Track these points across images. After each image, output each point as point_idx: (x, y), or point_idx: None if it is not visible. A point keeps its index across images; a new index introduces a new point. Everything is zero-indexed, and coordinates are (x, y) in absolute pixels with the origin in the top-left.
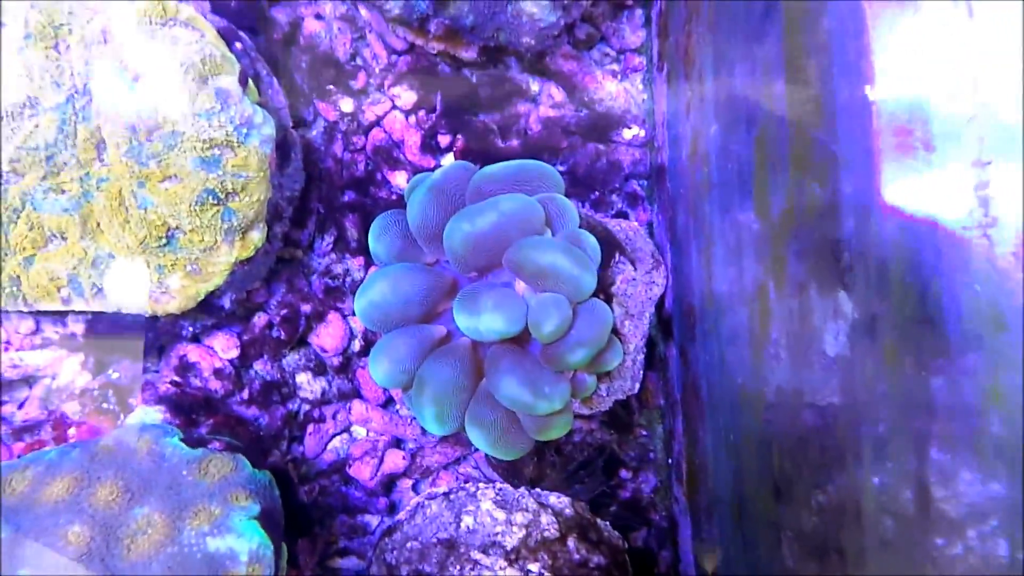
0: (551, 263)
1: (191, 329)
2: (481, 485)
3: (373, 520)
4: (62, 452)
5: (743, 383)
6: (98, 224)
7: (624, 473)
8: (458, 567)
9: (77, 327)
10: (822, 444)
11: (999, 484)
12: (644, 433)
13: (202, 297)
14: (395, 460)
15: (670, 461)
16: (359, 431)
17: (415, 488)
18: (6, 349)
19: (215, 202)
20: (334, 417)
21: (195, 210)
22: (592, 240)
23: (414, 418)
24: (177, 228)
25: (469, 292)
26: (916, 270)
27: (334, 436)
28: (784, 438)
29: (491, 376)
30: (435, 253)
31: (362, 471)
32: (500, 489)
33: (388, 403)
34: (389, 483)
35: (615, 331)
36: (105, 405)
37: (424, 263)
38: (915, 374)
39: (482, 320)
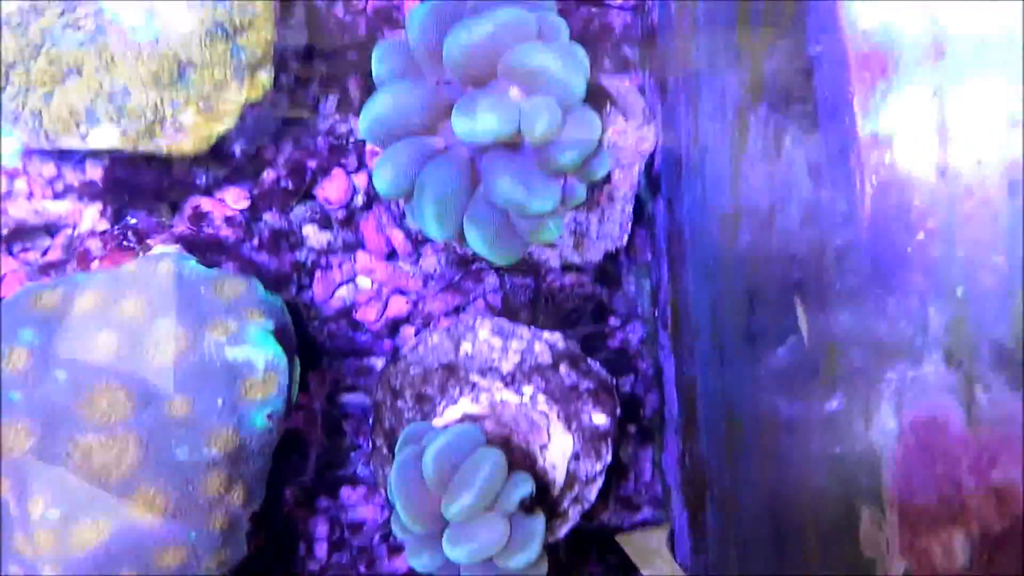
0: (541, 64)
1: (205, 179)
2: (479, 318)
3: (378, 363)
4: (88, 275)
5: (721, 212)
6: (112, 58)
7: (613, 321)
8: (458, 388)
9: (95, 172)
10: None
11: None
12: (632, 289)
13: (214, 140)
14: (399, 305)
15: (656, 313)
16: (364, 281)
17: (417, 335)
18: (29, 197)
19: (224, 36)
20: (340, 267)
21: (205, 43)
22: (581, 52)
23: (415, 272)
24: (188, 62)
25: (466, 99)
26: None
27: (341, 285)
28: (756, 257)
29: (487, 177)
30: (435, 73)
31: (368, 313)
32: (497, 321)
33: (391, 255)
34: (394, 327)
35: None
36: (126, 243)
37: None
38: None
39: (477, 121)
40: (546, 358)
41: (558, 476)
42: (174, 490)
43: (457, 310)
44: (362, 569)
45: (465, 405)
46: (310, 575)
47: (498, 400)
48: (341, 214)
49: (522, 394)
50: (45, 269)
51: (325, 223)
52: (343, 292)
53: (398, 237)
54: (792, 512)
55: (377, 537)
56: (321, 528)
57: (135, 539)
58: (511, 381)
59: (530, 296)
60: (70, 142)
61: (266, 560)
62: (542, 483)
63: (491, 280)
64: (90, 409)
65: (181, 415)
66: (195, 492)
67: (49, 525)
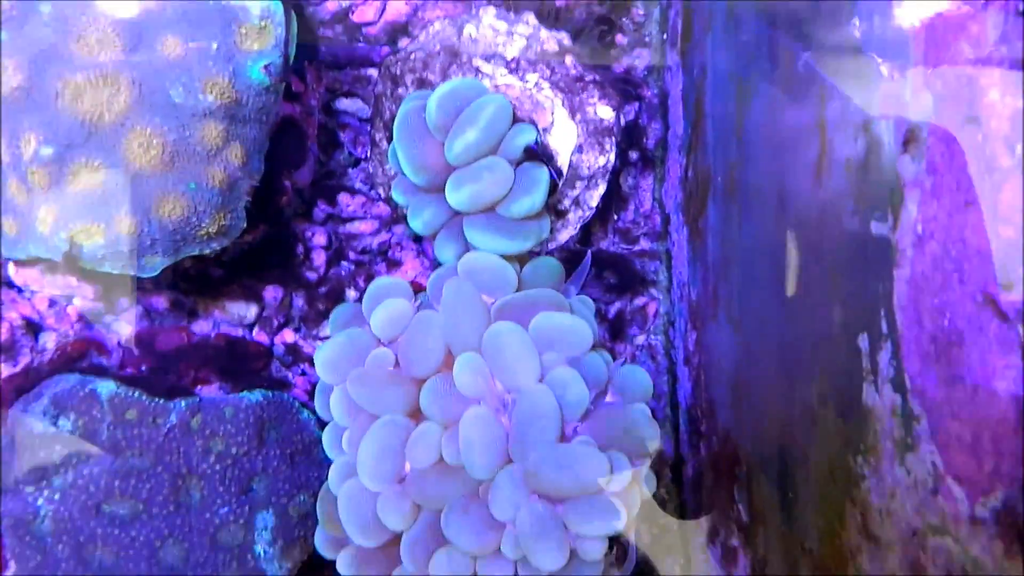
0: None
1: None
2: (481, 7)
3: (373, 71)
4: None
5: None
6: None
7: (620, 39)
8: (460, 73)
9: None
10: None
11: None
12: (640, 13)
13: None
14: (398, 8)
15: (665, 35)
16: None
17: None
18: None
19: None
20: None
21: None
22: None
23: None
24: None
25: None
26: None
27: None
28: None
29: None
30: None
31: (366, 13)
32: (502, 9)
33: None
34: (392, 35)
35: None
36: None
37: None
38: None
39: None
40: (552, 47)
41: (561, 165)
42: (170, 132)
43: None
44: (360, 283)
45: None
46: (308, 283)
47: (502, 85)
48: None
49: (526, 80)
50: None
51: None
52: None
53: None
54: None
55: (376, 248)
56: (319, 237)
57: (133, 183)
58: (515, 68)
59: (536, 7)
60: None
61: (264, 256)
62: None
63: None
64: (79, 46)
65: (174, 55)
66: (191, 139)
67: (42, 163)
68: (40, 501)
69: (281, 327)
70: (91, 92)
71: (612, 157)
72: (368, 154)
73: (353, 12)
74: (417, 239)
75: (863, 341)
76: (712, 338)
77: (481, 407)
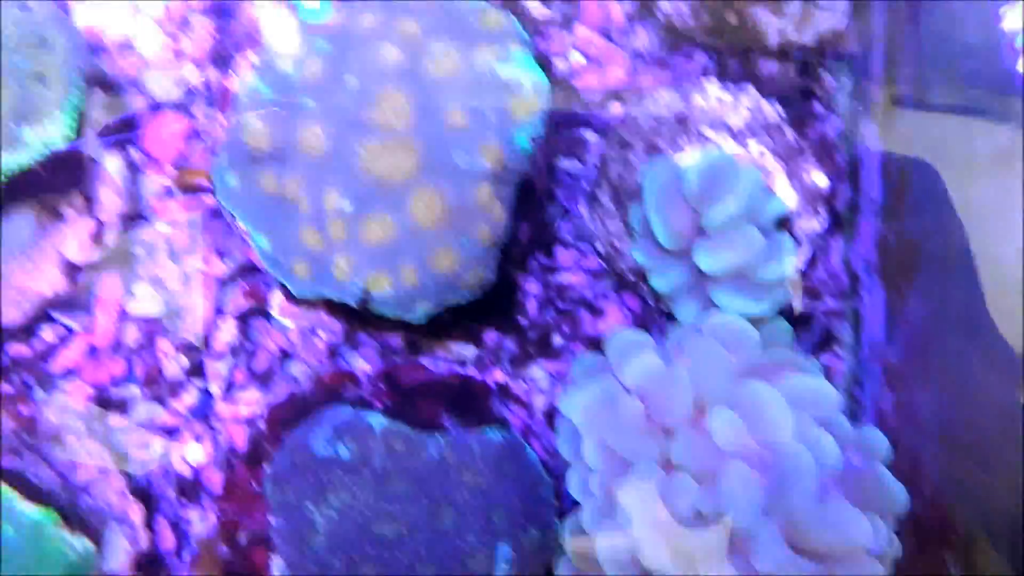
0: None
1: None
2: (704, 79)
3: (589, 135)
4: (364, 3)
5: None
6: None
7: (817, 107)
8: (687, 140)
9: None
10: None
11: None
12: (832, 82)
13: None
14: (617, 75)
15: (859, 106)
16: (575, 55)
17: (637, 100)
18: None
19: None
20: (556, 38)
21: None
22: None
23: (626, 48)
24: None
25: None
26: None
27: (557, 56)
28: None
29: None
30: None
31: (588, 81)
32: (723, 79)
33: (605, 30)
34: (608, 99)
35: None
36: None
37: None
38: None
39: None
40: (773, 117)
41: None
42: (450, 193)
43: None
44: (565, 329)
45: (696, 155)
46: (519, 327)
47: (730, 153)
48: None
49: (750, 149)
50: None
51: None
52: (560, 64)
53: (616, 10)
54: None
55: (581, 300)
56: (532, 285)
57: (416, 237)
58: (740, 136)
59: (733, 72)
60: None
61: (487, 301)
62: None
63: (699, 58)
64: (377, 114)
65: (459, 125)
66: (468, 199)
67: (342, 216)
68: (318, 518)
69: (492, 366)
70: (385, 154)
71: (823, 221)
72: (587, 211)
73: (574, 78)
74: (618, 291)
75: None
76: (917, 399)
77: (739, 461)
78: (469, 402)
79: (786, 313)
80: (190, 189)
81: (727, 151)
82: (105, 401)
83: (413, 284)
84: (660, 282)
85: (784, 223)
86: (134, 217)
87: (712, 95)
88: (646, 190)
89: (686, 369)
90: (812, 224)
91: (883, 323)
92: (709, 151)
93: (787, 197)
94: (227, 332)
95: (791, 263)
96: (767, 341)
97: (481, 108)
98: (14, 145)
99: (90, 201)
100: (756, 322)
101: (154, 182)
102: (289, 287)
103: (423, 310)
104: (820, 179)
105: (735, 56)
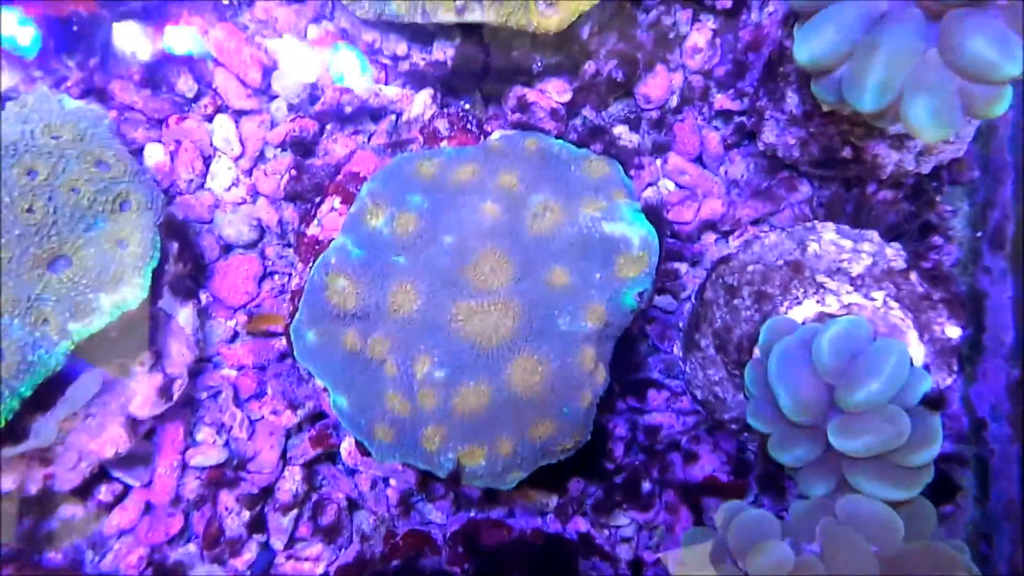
0: None
1: (539, 64)
2: (817, 222)
3: (682, 267)
4: (458, 150)
5: None
6: None
7: (936, 239)
8: (802, 289)
9: (441, 54)
10: None
11: None
12: (948, 209)
13: (576, 17)
14: (713, 206)
15: (982, 234)
16: (666, 184)
17: (736, 238)
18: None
19: None
20: (648, 167)
21: None
22: None
23: (721, 177)
24: None
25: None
26: None
27: (648, 186)
28: None
29: (952, 36)
30: None
31: (683, 213)
32: (838, 225)
33: (698, 159)
34: (700, 231)
35: None
36: (468, 127)
37: None
38: None
39: None
40: (899, 263)
41: None
42: (553, 360)
43: (763, 219)
44: (655, 474)
45: (812, 306)
46: (605, 472)
47: (847, 303)
48: (655, 114)
49: (873, 299)
50: (393, 148)
51: (635, 125)
52: (649, 193)
53: (712, 139)
54: None
55: (672, 441)
56: (621, 428)
57: (515, 407)
58: (860, 284)
59: (847, 207)
60: (446, 16)
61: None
62: None
63: (803, 188)
64: (474, 273)
65: (560, 285)
66: (570, 363)
67: (433, 385)
68: None
69: (574, 515)
70: (482, 316)
71: (955, 376)
72: (680, 350)
73: (669, 210)
74: (711, 432)
75: None
76: None
77: None
78: (555, 565)
79: None
80: (261, 335)
81: (849, 303)
82: (161, 563)
83: (509, 455)
84: (784, 455)
85: (937, 404)
86: (200, 360)
87: (827, 239)
88: (770, 356)
89: (821, 564)
90: (945, 381)
91: (1018, 477)
92: (841, 319)
93: (916, 352)
94: (291, 481)
95: (939, 444)
96: (910, 528)
97: (586, 266)
98: (89, 315)
99: (159, 356)
100: (897, 504)
101: (222, 326)
102: (369, 449)
103: (515, 479)
104: (952, 331)
105: (841, 184)
